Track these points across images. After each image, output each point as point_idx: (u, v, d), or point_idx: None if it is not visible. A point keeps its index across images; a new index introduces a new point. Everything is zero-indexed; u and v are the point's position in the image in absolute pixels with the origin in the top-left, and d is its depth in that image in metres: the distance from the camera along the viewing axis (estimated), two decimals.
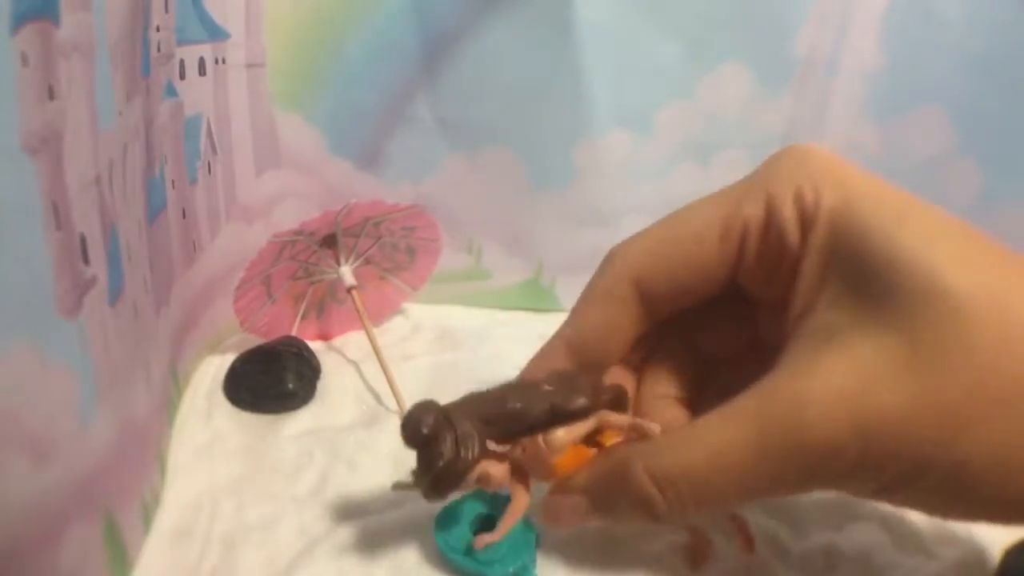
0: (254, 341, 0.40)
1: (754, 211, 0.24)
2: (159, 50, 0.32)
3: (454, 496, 0.25)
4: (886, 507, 0.30)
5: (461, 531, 0.26)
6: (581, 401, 0.24)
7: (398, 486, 0.26)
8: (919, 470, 0.20)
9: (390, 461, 0.33)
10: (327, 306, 0.43)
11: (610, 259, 0.27)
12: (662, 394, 0.28)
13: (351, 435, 0.34)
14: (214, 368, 0.39)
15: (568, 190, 0.43)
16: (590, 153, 0.42)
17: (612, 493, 0.24)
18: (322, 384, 0.38)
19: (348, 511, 0.30)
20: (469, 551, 0.25)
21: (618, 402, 0.27)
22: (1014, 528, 0.24)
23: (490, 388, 0.24)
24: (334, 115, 0.42)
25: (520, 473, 0.25)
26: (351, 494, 0.31)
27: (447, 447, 0.22)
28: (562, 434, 0.24)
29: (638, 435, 0.24)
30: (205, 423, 0.35)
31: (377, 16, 0.40)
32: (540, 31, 0.40)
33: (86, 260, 0.22)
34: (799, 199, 0.23)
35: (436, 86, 0.41)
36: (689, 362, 0.28)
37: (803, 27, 0.41)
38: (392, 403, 0.36)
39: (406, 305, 0.47)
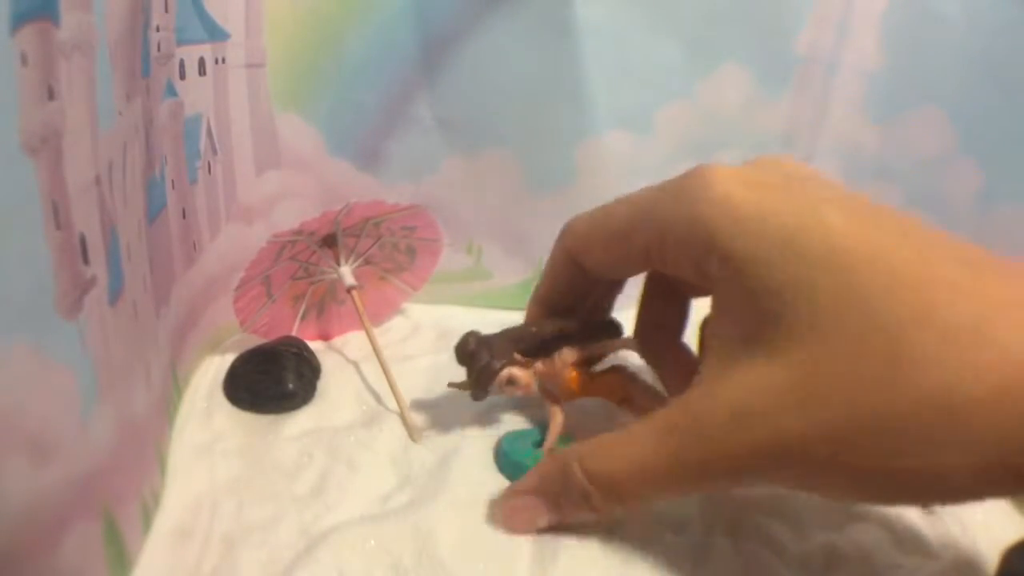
0: (254, 341, 0.40)
1: (650, 236, 0.27)
2: (159, 50, 0.32)
3: (494, 398, 0.33)
4: (886, 507, 0.30)
5: (524, 448, 0.33)
6: (573, 323, 0.32)
7: (452, 384, 0.33)
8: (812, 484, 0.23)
9: (390, 461, 0.33)
10: (327, 306, 0.43)
11: (561, 232, 0.32)
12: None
13: (351, 435, 0.34)
14: (214, 368, 0.39)
15: (568, 190, 0.43)
16: (590, 153, 0.42)
17: (557, 489, 0.27)
18: (322, 384, 0.38)
19: (348, 511, 0.30)
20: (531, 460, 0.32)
21: (615, 329, 0.34)
22: (1015, 527, 0.24)
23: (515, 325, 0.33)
24: (334, 115, 0.42)
25: (552, 397, 0.32)
26: (351, 494, 0.31)
27: (483, 356, 0.31)
28: (567, 351, 0.32)
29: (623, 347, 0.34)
30: (205, 423, 0.35)
31: (377, 16, 0.40)
32: (540, 31, 0.40)
33: (86, 260, 0.22)
34: (691, 236, 0.25)
35: (436, 86, 0.41)
36: None
37: (803, 27, 0.41)
38: (392, 403, 0.36)
39: (406, 305, 0.47)
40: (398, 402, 0.36)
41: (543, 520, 0.28)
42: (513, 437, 0.34)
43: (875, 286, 0.20)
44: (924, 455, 0.20)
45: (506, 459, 0.32)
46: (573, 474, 0.26)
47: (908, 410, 0.19)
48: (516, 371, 0.31)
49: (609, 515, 0.27)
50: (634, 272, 0.31)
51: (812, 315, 0.21)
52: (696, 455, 0.23)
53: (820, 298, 0.21)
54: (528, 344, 0.32)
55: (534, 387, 0.32)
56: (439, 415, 0.36)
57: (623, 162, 0.43)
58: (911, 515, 0.30)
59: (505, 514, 0.29)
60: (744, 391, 0.22)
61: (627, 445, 0.25)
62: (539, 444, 0.32)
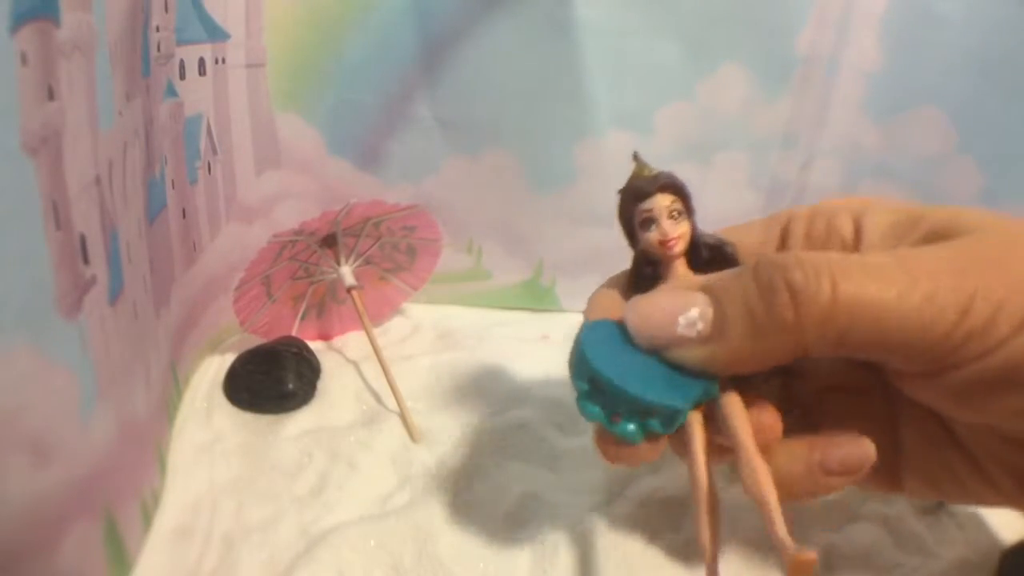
0: (254, 341, 0.40)
1: (799, 209, 0.25)
2: (159, 50, 0.32)
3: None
4: (886, 507, 0.30)
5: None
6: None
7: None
8: None
9: (390, 461, 0.33)
10: (327, 306, 0.43)
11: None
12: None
13: (351, 435, 0.34)
14: (214, 368, 0.39)
15: (568, 190, 0.43)
16: (590, 153, 0.42)
17: (757, 306, 0.20)
18: (322, 384, 0.38)
19: (348, 511, 0.30)
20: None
21: None
22: (1014, 527, 0.24)
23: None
24: (334, 115, 0.42)
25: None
26: (351, 494, 0.31)
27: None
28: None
29: None
30: (205, 423, 0.35)
31: (377, 16, 0.40)
32: (540, 31, 0.40)
33: (86, 260, 0.22)
34: (844, 202, 0.24)
35: (436, 86, 0.41)
36: None
37: (803, 27, 0.41)
38: (392, 403, 0.36)
39: (406, 305, 0.47)
40: (398, 402, 0.36)
41: (702, 352, 0.20)
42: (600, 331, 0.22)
43: None
44: None
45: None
46: (802, 286, 0.19)
47: None
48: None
49: (778, 356, 0.20)
50: None
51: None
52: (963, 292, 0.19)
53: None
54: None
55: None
56: (439, 415, 0.36)
57: (623, 162, 0.43)
58: (911, 515, 0.30)
59: (639, 314, 0.21)
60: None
61: (889, 274, 0.19)
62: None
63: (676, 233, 0.23)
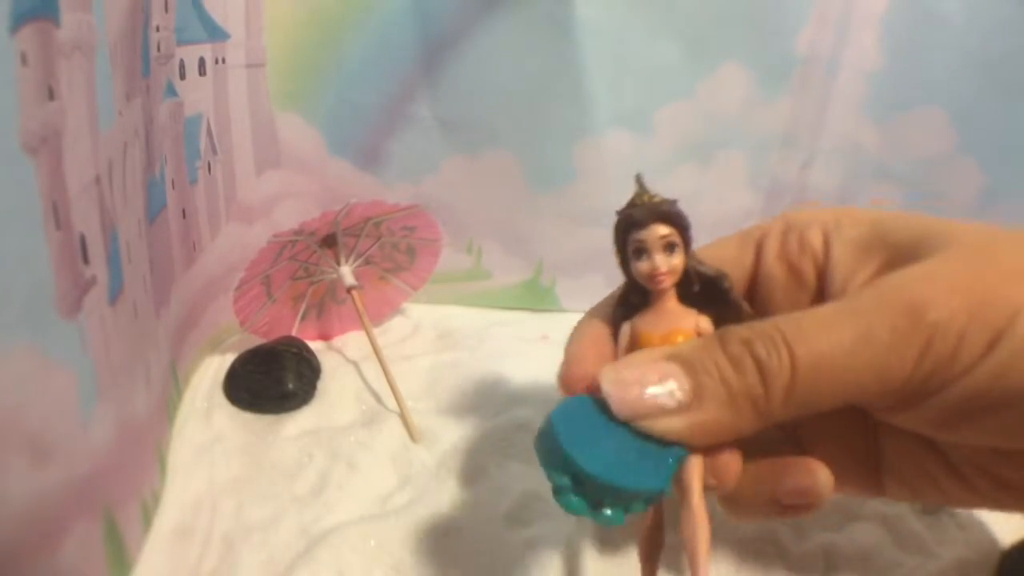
0: (254, 341, 0.40)
1: (772, 224, 0.25)
2: (159, 50, 0.32)
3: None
4: (886, 507, 0.30)
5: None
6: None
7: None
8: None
9: (390, 461, 0.33)
10: (327, 306, 0.43)
11: None
12: None
13: (351, 435, 0.34)
14: (214, 368, 0.39)
15: (568, 190, 0.43)
16: (590, 153, 0.42)
17: (724, 381, 0.20)
18: (322, 384, 0.38)
19: (348, 511, 0.30)
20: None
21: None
22: (1014, 527, 0.24)
23: None
24: (334, 115, 0.42)
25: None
26: (351, 494, 0.31)
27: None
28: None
29: None
30: (205, 423, 0.35)
31: (377, 16, 0.40)
32: (540, 31, 0.40)
33: (86, 260, 0.22)
34: (815, 215, 0.24)
35: (436, 86, 0.41)
36: None
37: (803, 27, 0.41)
38: (392, 403, 0.36)
39: (406, 305, 0.47)
40: (398, 402, 0.36)
41: (680, 423, 0.20)
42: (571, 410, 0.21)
43: None
44: None
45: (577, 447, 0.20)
46: (765, 361, 0.19)
47: None
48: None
49: (750, 427, 0.20)
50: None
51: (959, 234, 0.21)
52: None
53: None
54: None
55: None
56: (439, 415, 0.36)
57: (623, 162, 0.43)
58: (911, 515, 0.30)
59: (618, 385, 0.20)
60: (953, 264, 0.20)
61: (842, 328, 0.19)
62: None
63: (666, 268, 0.22)
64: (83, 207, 0.22)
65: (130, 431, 0.26)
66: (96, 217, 0.23)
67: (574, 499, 0.20)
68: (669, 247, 0.22)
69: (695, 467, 0.21)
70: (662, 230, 0.22)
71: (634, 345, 0.23)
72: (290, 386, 0.36)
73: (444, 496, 0.30)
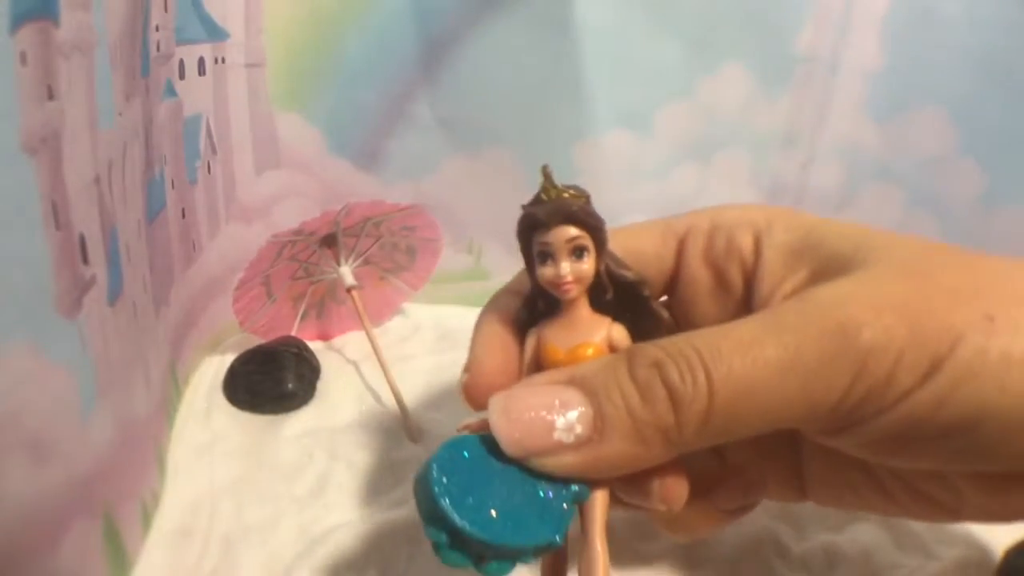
0: (254, 341, 0.40)
1: (698, 220, 0.23)
2: (159, 50, 0.32)
3: None
4: None
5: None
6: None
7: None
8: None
9: (390, 461, 0.33)
10: (327, 306, 0.43)
11: None
12: None
13: (351, 435, 0.34)
14: (214, 368, 0.39)
15: None
16: (590, 153, 0.42)
17: (628, 408, 0.18)
18: (322, 384, 0.38)
19: (348, 511, 0.30)
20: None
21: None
22: (1015, 527, 0.24)
23: None
24: (333, 115, 0.42)
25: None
26: (351, 494, 0.31)
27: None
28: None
29: None
30: (205, 423, 0.35)
31: (377, 16, 0.40)
32: (540, 31, 0.40)
33: (86, 260, 0.22)
34: (745, 214, 0.23)
35: (436, 86, 0.41)
36: None
37: (803, 27, 0.41)
38: (392, 403, 0.36)
39: (406, 305, 0.47)
40: (398, 402, 0.36)
41: (578, 459, 0.18)
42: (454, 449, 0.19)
43: None
44: None
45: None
46: (678, 388, 0.17)
47: None
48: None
49: (660, 458, 0.18)
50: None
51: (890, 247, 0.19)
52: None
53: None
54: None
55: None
56: (439, 415, 0.36)
57: (623, 162, 0.43)
58: None
59: (506, 418, 0.18)
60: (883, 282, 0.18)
61: (767, 351, 0.17)
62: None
63: (573, 276, 0.19)
64: (83, 207, 0.22)
65: (130, 431, 0.26)
66: (96, 217, 0.23)
67: (453, 555, 0.17)
68: (577, 251, 0.19)
69: (599, 502, 0.19)
70: (570, 232, 0.19)
71: (539, 358, 0.20)
72: (290, 386, 0.36)
73: None
